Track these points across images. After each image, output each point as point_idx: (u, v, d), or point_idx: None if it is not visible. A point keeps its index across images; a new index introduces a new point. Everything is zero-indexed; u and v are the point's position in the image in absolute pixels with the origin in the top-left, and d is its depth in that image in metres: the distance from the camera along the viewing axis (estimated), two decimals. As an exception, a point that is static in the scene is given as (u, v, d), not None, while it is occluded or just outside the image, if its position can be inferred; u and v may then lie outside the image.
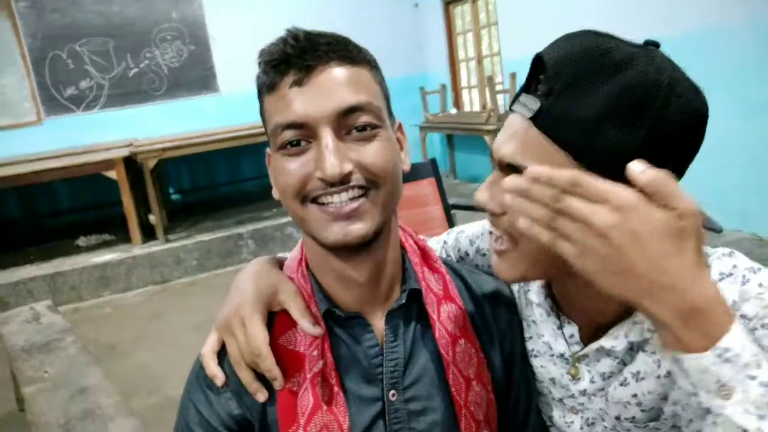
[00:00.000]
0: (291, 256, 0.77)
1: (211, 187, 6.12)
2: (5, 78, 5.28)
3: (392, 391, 0.70)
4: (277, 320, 0.71)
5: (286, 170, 0.64)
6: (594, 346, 0.71)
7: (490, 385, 0.74)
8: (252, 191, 5.94)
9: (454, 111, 6.27)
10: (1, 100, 5.27)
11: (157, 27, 5.65)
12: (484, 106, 5.77)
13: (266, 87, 0.65)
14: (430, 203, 2.97)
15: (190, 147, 4.67)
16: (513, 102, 0.66)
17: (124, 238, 4.59)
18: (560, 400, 0.78)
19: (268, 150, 0.69)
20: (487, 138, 5.26)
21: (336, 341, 0.71)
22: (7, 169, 4.35)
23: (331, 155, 0.61)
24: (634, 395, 0.69)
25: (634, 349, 0.69)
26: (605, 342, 0.69)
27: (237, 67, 5.85)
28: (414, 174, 2.96)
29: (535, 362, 0.80)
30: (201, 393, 0.71)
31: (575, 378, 0.75)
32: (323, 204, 0.63)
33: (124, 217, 4.45)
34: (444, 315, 0.73)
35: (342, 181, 0.62)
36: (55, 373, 2.06)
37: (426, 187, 3.00)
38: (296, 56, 0.62)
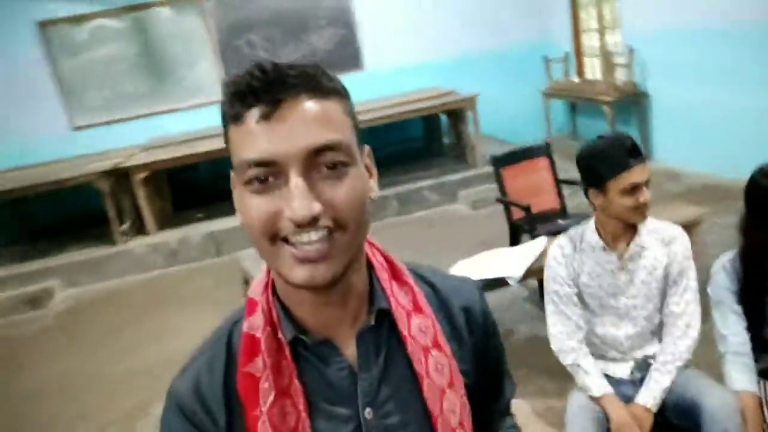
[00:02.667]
0: (257, 279, 0.75)
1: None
2: (200, 64, 6.60)
3: (368, 409, 0.71)
4: (242, 346, 0.70)
5: (252, 208, 0.62)
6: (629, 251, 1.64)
7: (463, 390, 0.76)
8: (392, 157, 6.91)
9: (576, 79, 6.73)
10: (198, 83, 6.62)
11: (314, 15, 6.67)
12: (604, 77, 6.21)
13: (231, 117, 0.63)
14: (543, 177, 3.73)
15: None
16: None
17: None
18: (602, 305, 1.68)
19: (233, 173, 0.66)
20: (605, 108, 5.76)
21: (306, 366, 0.71)
22: (208, 143, 5.61)
23: (301, 196, 0.60)
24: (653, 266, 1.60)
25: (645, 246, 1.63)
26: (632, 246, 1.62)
27: (379, 46, 6.77)
28: (532, 153, 3.73)
29: (591, 282, 1.71)
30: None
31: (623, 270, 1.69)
32: (293, 244, 0.62)
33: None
34: (414, 328, 0.74)
35: (311, 223, 0.60)
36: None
37: (541, 163, 3.76)
38: (263, 89, 0.60)
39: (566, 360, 1.78)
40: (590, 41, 6.68)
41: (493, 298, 1.86)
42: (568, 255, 1.81)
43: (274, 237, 0.63)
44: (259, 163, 0.61)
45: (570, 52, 6.87)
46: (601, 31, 6.30)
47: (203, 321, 3.92)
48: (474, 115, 5.71)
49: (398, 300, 0.75)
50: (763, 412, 1.54)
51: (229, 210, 4.34)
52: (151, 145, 6.04)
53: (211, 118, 6.55)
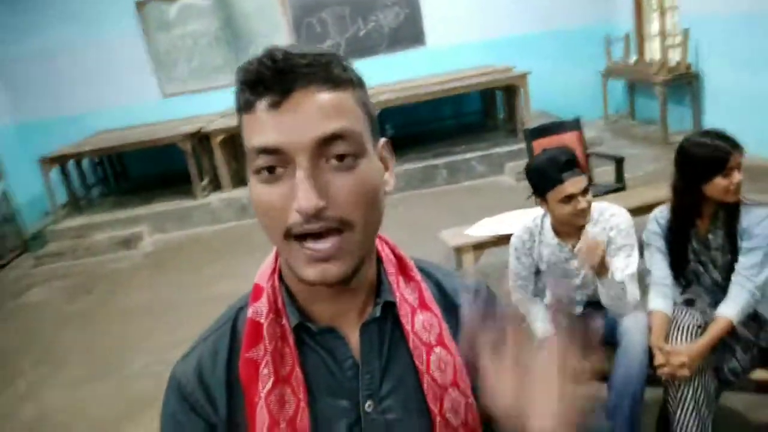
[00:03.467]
0: (265, 263, 0.75)
1: (417, 123, 7.57)
2: (275, 38, 7.20)
3: (369, 402, 0.70)
4: (246, 332, 0.70)
5: (263, 200, 0.62)
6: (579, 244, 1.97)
7: (470, 389, 0.74)
8: (448, 128, 7.31)
9: (633, 60, 6.83)
10: (273, 57, 7.23)
11: (381, -6, 7.11)
12: (660, 58, 6.30)
13: (243, 105, 0.63)
14: (574, 149, 4.04)
15: (405, 98, 6.07)
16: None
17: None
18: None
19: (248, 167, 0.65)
20: (656, 88, 5.90)
21: (308, 354, 0.71)
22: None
23: (307, 188, 0.59)
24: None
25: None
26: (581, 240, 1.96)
27: (441, 24, 7.12)
28: (563, 127, 4.06)
29: (548, 268, 2.07)
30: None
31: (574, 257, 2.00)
32: (303, 243, 0.62)
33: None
34: (419, 325, 0.73)
35: (316, 215, 0.60)
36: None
37: (571, 137, 4.08)
38: (273, 78, 0.60)
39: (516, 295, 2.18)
40: (650, 22, 6.75)
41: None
42: (527, 245, 2.15)
43: (287, 234, 0.62)
44: (267, 151, 0.61)
45: (631, 33, 6.95)
46: (661, 12, 6.37)
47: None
48: (525, 92, 6.01)
49: (404, 295, 0.74)
50: (670, 330, 1.88)
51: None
52: (230, 111, 6.72)
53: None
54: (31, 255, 5.89)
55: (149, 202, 6.19)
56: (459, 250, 3.23)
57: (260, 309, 0.71)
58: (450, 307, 0.78)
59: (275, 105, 0.61)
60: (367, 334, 0.72)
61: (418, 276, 0.78)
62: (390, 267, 0.76)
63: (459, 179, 5.98)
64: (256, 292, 0.73)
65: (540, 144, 3.96)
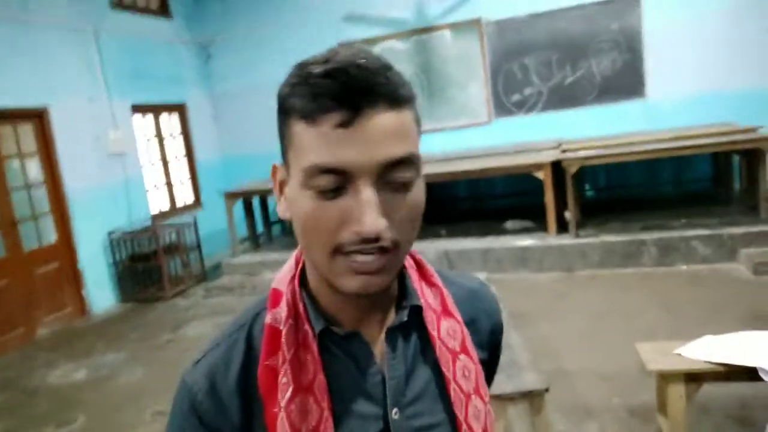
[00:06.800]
0: (283, 270, 0.73)
1: (625, 186, 6.49)
2: (471, 87, 6.73)
3: (395, 409, 0.68)
4: (265, 339, 0.68)
5: (317, 216, 0.59)
6: None
7: (487, 396, 0.75)
8: (665, 196, 6.09)
9: None
10: (466, 104, 6.76)
11: (596, 39, 6.24)
12: None
13: (302, 113, 0.59)
14: None
15: (610, 156, 5.14)
16: None
17: (542, 227, 5.44)
18: None
19: (276, 164, 0.66)
20: None
21: (332, 360, 0.68)
22: (462, 163, 5.68)
23: (372, 211, 0.58)
24: None
25: None
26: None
27: (668, 73, 6.02)
28: None
29: None
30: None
31: None
32: (350, 256, 0.60)
33: (544, 209, 5.29)
34: (444, 331, 0.73)
35: (376, 237, 0.58)
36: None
37: None
38: (346, 94, 0.57)
39: None
40: None
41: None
42: None
43: (335, 249, 0.60)
44: (332, 170, 0.58)
45: None
46: None
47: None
48: (776, 159, 4.66)
49: (428, 301, 0.73)
50: None
51: (469, 232, 4.24)
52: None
53: (475, 138, 6.63)
54: (206, 285, 6.03)
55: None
56: (663, 378, 2.30)
57: (279, 315, 0.68)
58: (469, 314, 0.78)
59: (344, 124, 0.57)
60: (392, 339, 0.70)
61: (440, 282, 0.76)
62: (413, 273, 0.74)
63: (673, 261, 4.81)
64: (275, 297, 0.70)
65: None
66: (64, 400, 3.81)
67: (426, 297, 0.73)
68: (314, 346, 0.67)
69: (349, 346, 0.69)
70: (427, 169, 5.57)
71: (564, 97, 6.43)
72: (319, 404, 0.66)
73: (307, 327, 0.68)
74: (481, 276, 3.76)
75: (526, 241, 5.27)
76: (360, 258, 0.60)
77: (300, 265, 0.72)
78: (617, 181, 6.54)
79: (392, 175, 0.59)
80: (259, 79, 7.15)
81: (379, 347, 0.70)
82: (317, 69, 0.58)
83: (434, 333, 0.72)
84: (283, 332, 0.67)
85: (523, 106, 6.59)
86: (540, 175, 5.15)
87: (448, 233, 5.79)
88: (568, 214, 5.21)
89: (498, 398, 2.29)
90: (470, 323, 0.77)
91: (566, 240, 5.13)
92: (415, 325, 0.72)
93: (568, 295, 4.54)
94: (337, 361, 0.68)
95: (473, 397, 0.73)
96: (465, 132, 6.72)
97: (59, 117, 5.45)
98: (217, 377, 0.69)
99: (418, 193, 0.63)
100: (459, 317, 0.75)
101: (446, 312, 0.74)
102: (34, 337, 5.10)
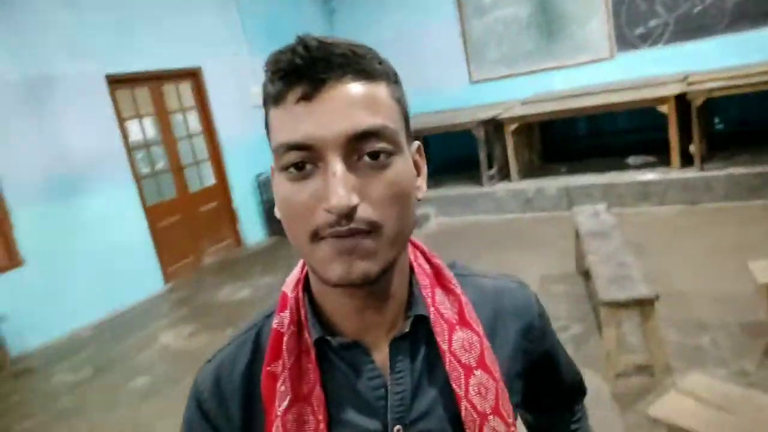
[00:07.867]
0: (292, 273, 0.71)
1: (761, 120, 6.18)
2: (591, 21, 6.63)
3: (397, 426, 0.65)
4: (270, 344, 0.67)
5: (290, 199, 0.58)
6: None
7: (512, 417, 0.69)
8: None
9: None
10: (586, 40, 6.69)
11: (730, -38, 5.89)
12: None
13: (271, 98, 0.59)
14: None
15: (737, 87, 4.97)
16: None
17: (665, 161, 5.42)
18: None
19: (272, 165, 0.62)
20: None
21: (333, 371, 0.66)
22: (581, 99, 5.73)
23: (339, 185, 0.55)
24: None
25: None
26: None
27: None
28: None
29: None
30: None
31: None
32: (330, 244, 0.57)
33: (668, 143, 5.26)
34: (457, 344, 0.67)
35: (348, 215, 0.55)
36: (604, 252, 3.19)
37: None
38: (306, 67, 0.56)
39: None
40: None
41: None
42: None
43: (313, 235, 0.58)
44: (297, 147, 0.56)
45: None
46: None
47: (540, 264, 4.28)
48: None
49: (440, 310, 0.68)
50: None
51: (589, 168, 4.48)
52: (531, 99, 6.47)
53: (596, 75, 6.59)
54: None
55: (440, 185, 6.40)
56: (772, 291, 2.47)
57: (284, 320, 0.67)
58: (498, 320, 0.72)
59: (306, 97, 0.56)
60: (396, 351, 0.66)
61: (459, 288, 0.70)
62: (424, 278, 0.69)
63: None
64: (283, 301, 0.69)
65: None
66: (233, 312, 4.59)
67: (438, 305, 0.68)
68: (312, 356, 0.65)
69: (348, 356, 0.66)
70: (547, 107, 5.72)
71: (692, 28, 6.17)
72: (316, 416, 0.64)
73: (307, 335, 0.66)
74: (600, 208, 3.96)
75: (648, 176, 5.31)
76: (338, 242, 0.56)
77: (305, 269, 0.69)
78: (753, 115, 6.24)
79: (362, 148, 0.56)
80: (383, 34, 7.46)
81: (383, 358, 0.66)
82: (282, 53, 0.58)
83: (444, 345, 0.66)
84: (285, 339, 0.66)
85: (648, 39, 6.41)
86: (664, 108, 5.11)
87: (568, 170, 5.93)
88: (692, 148, 5.15)
89: (610, 306, 2.60)
90: (491, 323, 0.72)
91: (690, 173, 5.11)
92: (423, 336, 0.67)
93: (689, 228, 4.59)
94: (337, 371, 0.66)
95: (491, 417, 0.66)
96: (586, 68, 6.68)
97: (210, 75, 6.19)
98: (222, 376, 0.69)
99: (399, 172, 0.59)
100: (479, 329, 0.69)
101: (463, 322, 0.68)
102: (200, 264, 6.02)
